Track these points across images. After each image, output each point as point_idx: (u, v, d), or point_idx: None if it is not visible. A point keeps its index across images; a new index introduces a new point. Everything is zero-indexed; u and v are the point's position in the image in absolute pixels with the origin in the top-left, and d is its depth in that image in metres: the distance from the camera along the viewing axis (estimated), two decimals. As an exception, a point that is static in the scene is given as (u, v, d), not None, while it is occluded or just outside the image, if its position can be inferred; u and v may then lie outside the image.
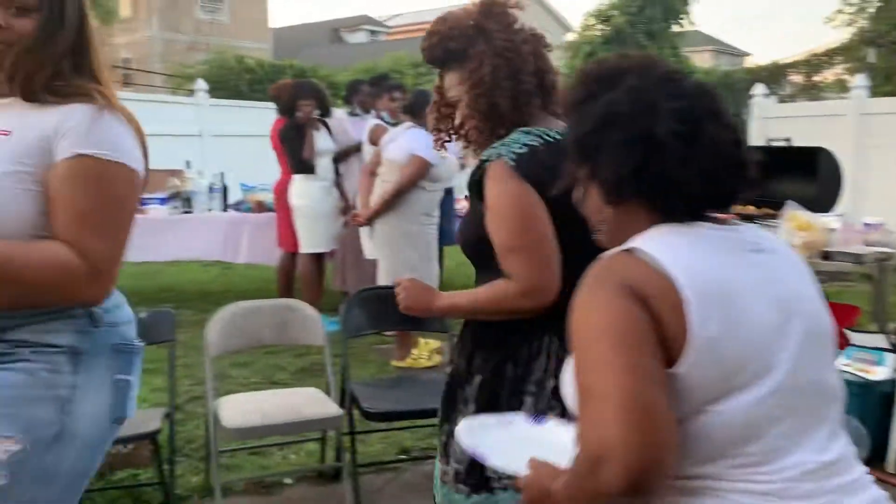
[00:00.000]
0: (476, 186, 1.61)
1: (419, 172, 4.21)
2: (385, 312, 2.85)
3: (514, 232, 1.54)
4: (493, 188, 1.56)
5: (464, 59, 1.66)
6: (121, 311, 1.50)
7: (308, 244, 5.18)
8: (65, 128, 1.35)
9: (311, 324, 3.00)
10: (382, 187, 4.29)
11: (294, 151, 5.08)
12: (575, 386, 1.02)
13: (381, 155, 4.41)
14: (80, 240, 1.33)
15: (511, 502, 1.56)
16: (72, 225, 1.33)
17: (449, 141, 1.81)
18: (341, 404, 2.84)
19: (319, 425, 2.86)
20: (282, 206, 5.35)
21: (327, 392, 2.92)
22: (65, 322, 1.40)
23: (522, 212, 1.54)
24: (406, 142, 4.25)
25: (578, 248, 1.28)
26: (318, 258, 5.28)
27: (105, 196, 1.37)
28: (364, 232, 4.56)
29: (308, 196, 5.10)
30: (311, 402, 2.79)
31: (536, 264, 1.53)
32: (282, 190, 5.34)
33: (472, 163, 1.76)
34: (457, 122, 1.73)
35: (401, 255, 4.24)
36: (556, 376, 1.48)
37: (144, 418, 2.63)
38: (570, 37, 21.37)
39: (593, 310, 1.02)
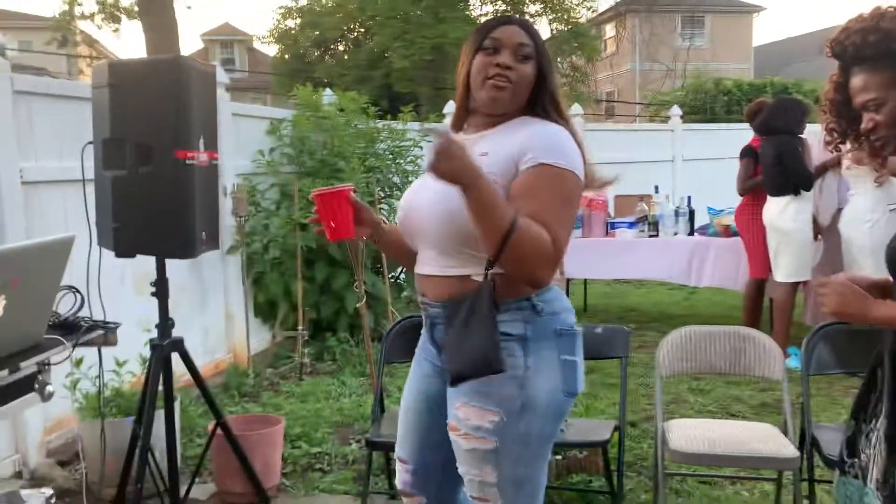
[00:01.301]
0: None
1: None
2: (855, 350, 2.55)
3: None
4: None
5: None
6: (559, 302, 1.74)
7: (787, 272, 4.87)
8: (529, 145, 1.66)
9: (768, 355, 2.83)
10: None
11: (785, 170, 4.80)
12: None
13: None
14: (551, 225, 1.58)
15: None
16: (542, 214, 1.58)
17: (842, 143, 1.69)
18: (800, 447, 2.63)
19: (770, 464, 2.68)
20: (749, 229, 5.14)
21: (784, 431, 2.73)
22: (514, 314, 1.67)
23: None
24: None
25: None
26: (794, 288, 4.93)
27: (561, 194, 1.63)
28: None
29: (795, 220, 4.79)
30: (763, 438, 2.64)
31: None
32: (747, 212, 5.14)
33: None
34: (867, 125, 1.59)
35: None
36: None
37: (598, 428, 2.81)
38: None
39: None
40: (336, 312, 5.29)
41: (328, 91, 6.12)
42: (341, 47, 20.45)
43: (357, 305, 4.26)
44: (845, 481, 1.76)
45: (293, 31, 20.06)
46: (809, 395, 2.70)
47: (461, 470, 1.75)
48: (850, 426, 1.76)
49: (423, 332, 1.89)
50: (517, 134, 1.69)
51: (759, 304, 5.24)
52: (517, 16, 1.84)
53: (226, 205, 4.64)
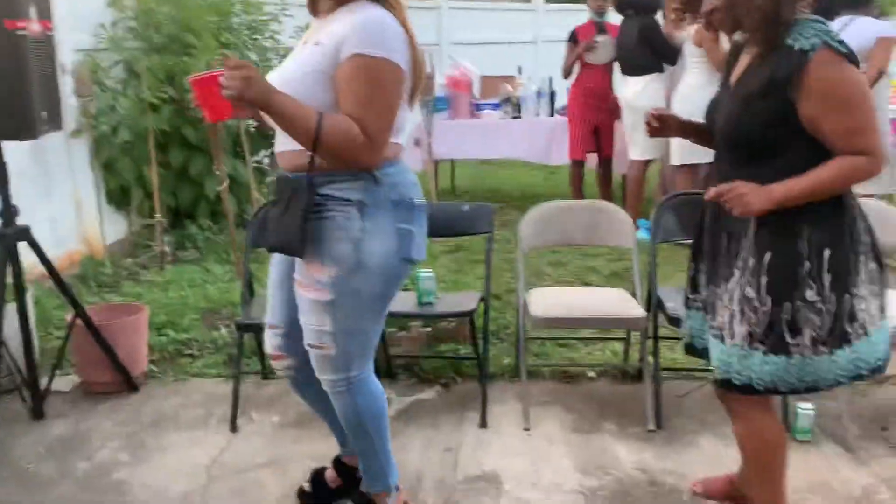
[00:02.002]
0: (786, 75, 1.74)
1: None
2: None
3: (865, 114, 1.76)
4: (831, 75, 1.72)
5: None
6: (401, 176, 1.91)
7: (642, 150, 5.12)
8: (348, 35, 1.75)
9: (621, 226, 3.03)
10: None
11: (650, 49, 4.94)
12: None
13: None
14: (360, 117, 1.74)
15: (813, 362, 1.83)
16: (354, 107, 1.75)
17: (685, 20, 1.92)
18: (647, 308, 2.87)
19: (622, 324, 2.92)
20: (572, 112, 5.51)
21: (633, 295, 2.96)
22: (353, 182, 1.84)
23: (866, 95, 1.78)
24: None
25: None
26: (646, 165, 5.22)
27: (373, 84, 1.75)
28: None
29: (652, 98, 4.95)
30: (615, 302, 2.86)
31: (880, 140, 1.78)
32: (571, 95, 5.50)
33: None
34: (706, 7, 1.84)
35: None
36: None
37: (464, 300, 2.94)
38: None
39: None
40: (195, 199, 5.09)
41: (174, -42, 5.61)
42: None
43: (218, 189, 4.11)
44: (690, 315, 2.09)
45: None
46: (656, 263, 2.92)
47: (302, 320, 1.95)
48: (690, 267, 2.09)
49: None
50: (344, 22, 1.78)
51: (580, 185, 5.66)
52: None
53: (66, 84, 4.26)
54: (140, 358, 3.20)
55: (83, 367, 3.11)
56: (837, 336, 1.82)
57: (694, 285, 2.08)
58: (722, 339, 1.91)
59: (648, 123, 2.07)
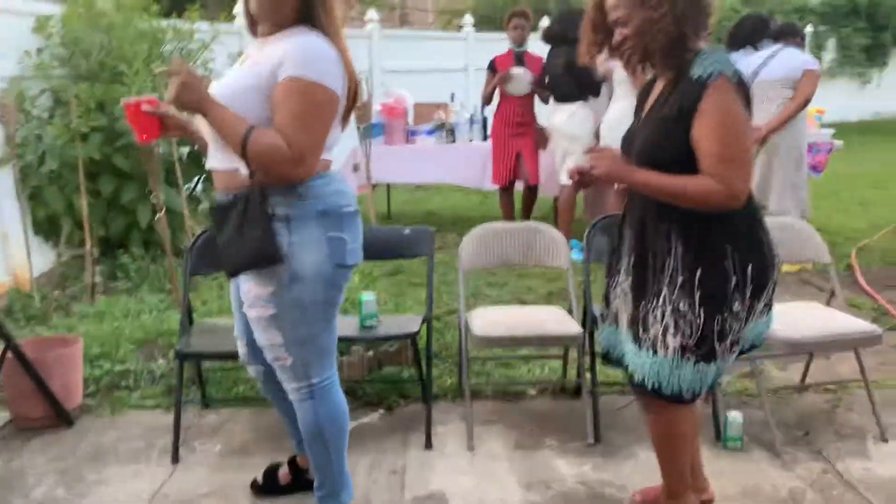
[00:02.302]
0: (691, 104, 1.85)
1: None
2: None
3: (736, 144, 1.84)
4: (720, 102, 1.83)
5: None
6: (328, 187, 1.97)
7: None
8: (284, 58, 1.83)
9: (556, 247, 3.13)
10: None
11: (576, 78, 5.08)
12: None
13: None
14: (288, 134, 1.82)
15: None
16: (284, 125, 1.83)
17: (600, 53, 2.06)
18: (583, 325, 2.96)
19: (559, 342, 3.01)
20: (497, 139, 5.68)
21: (570, 313, 3.05)
22: (278, 199, 1.90)
23: (744, 128, 1.86)
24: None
25: None
26: (577, 189, 5.35)
27: (304, 105, 1.83)
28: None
29: (583, 125, 5.13)
30: (553, 320, 2.94)
31: (746, 175, 1.87)
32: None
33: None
34: (617, 39, 1.95)
35: None
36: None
37: (406, 322, 2.98)
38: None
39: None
40: (127, 228, 4.99)
41: (102, -15, 5.54)
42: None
43: (158, 216, 4.04)
44: (605, 328, 2.23)
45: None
46: (590, 281, 3.03)
47: (257, 339, 2.05)
48: (605, 284, 2.21)
49: None
50: (281, 45, 1.86)
51: (510, 210, 5.81)
52: None
53: (-10, 112, 4.15)
54: (75, 391, 3.11)
55: (15, 401, 3.01)
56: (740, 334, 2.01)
57: (607, 301, 2.21)
58: (654, 350, 2.00)
59: (573, 175, 2.15)
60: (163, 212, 3.50)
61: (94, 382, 3.33)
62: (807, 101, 4.69)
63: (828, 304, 3.10)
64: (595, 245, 3.06)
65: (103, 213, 4.89)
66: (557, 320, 2.96)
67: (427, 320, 2.94)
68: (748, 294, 1.94)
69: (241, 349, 2.27)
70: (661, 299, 1.98)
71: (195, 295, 4.32)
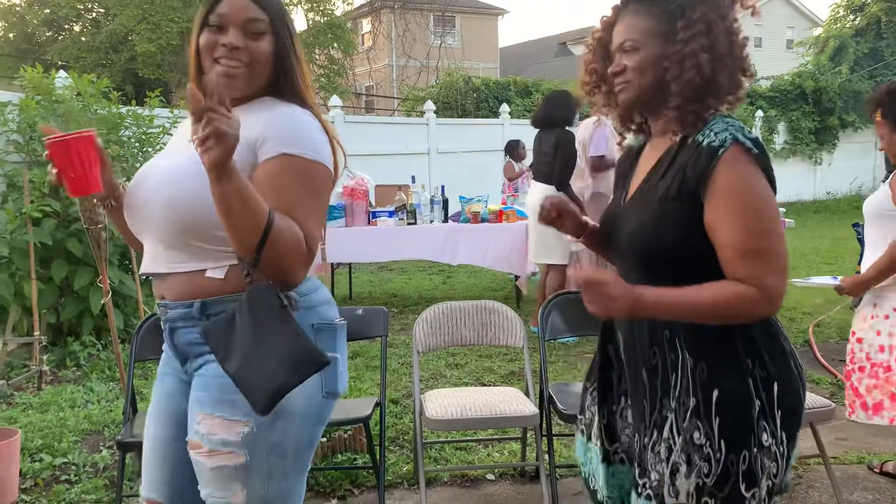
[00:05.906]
0: (698, 174, 1.42)
1: None
2: (583, 317, 2.88)
3: (764, 233, 1.40)
4: (738, 178, 1.40)
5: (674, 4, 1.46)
6: (317, 294, 1.57)
7: (561, 255, 5.21)
8: (270, 133, 1.47)
9: (511, 326, 3.11)
10: None
11: (556, 161, 5.13)
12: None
13: None
14: (303, 222, 1.43)
15: None
16: (292, 210, 1.43)
17: (598, 87, 1.64)
18: (539, 406, 2.91)
19: (515, 423, 2.95)
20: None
21: (526, 393, 3.01)
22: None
23: (771, 210, 1.41)
24: None
25: None
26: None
27: (309, 187, 1.47)
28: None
29: None
30: (508, 401, 2.89)
31: (781, 270, 1.41)
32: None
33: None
34: (615, 68, 1.53)
35: None
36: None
37: (359, 405, 2.90)
38: (817, 31, 19.86)
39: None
40: (79, 315, 4.87)
41: (62, 73, 5.59)
42: (77, 28, 18.66)
43: (103, 301, 3.95)
44: (579, 438, 1.82)
45: (18, 7, 17.97)
46: (547, 360, 3.00)
47: (203, 493, 1.50)
48: (584, 387, 1.80)
49: (165, 342, 1.62)
50: (258, 119, 1.49)
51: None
52: None
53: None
54: (10, 486, 2.95)
55: (-58, 500, 2.84)
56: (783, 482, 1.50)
57: (581, 406, 1.81)
58: (660, 499, 1.48)
59: (542, 209, 1.72)
60: (108, 297, 3.42)
61: (31, 477, 3.16)
62: None
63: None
64: (551, 322, 3.04)
65: (55, 299, 4.78)
66: (513, 401, 2.90)
67: (380, 404, 2.87)
68: (778, 422, 1.45)
69: (152, 493, 1.62)
70: (664, 431, 1.49)
71: (144, 382, 4.19)
